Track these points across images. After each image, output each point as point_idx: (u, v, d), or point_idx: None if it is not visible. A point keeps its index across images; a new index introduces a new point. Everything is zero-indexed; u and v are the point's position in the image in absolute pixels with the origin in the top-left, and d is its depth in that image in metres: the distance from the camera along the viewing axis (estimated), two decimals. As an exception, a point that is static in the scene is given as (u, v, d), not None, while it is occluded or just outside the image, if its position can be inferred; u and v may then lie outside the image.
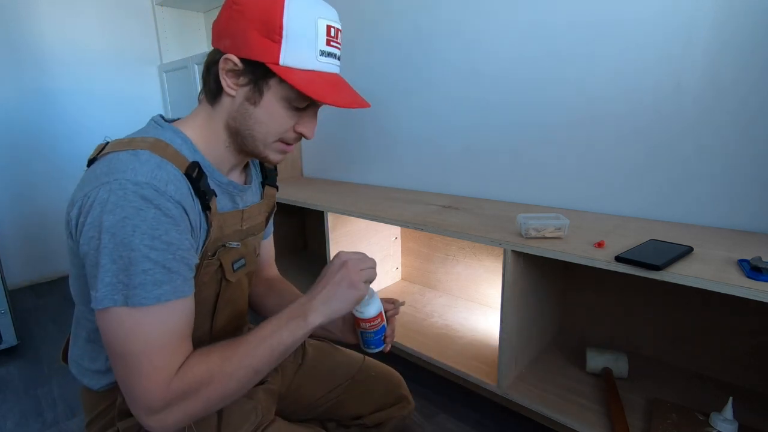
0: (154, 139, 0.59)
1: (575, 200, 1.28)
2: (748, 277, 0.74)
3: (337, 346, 0.93)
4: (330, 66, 0.62)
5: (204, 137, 0.65)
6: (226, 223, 0.67)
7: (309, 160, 2.15)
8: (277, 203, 0.92)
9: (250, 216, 0.73)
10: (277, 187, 0.84)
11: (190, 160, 0.61)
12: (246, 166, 0.76)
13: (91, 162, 0.59)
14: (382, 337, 0.73)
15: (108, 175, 0.53)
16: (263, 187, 0.80)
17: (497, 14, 1.34)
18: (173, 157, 0.58)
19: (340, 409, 0.88)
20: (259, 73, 0.59)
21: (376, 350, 0.74)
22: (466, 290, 1.58)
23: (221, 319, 0.72)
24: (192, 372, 0.55)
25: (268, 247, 0.91)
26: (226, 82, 0.60)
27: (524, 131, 1.35)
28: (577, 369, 1.14)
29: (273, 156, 0.67)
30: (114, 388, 0.65)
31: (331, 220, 1.46)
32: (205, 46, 2.77)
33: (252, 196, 0.76)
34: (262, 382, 0.75)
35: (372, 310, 0.69)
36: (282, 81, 0.59)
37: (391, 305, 0.77)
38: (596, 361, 1.11)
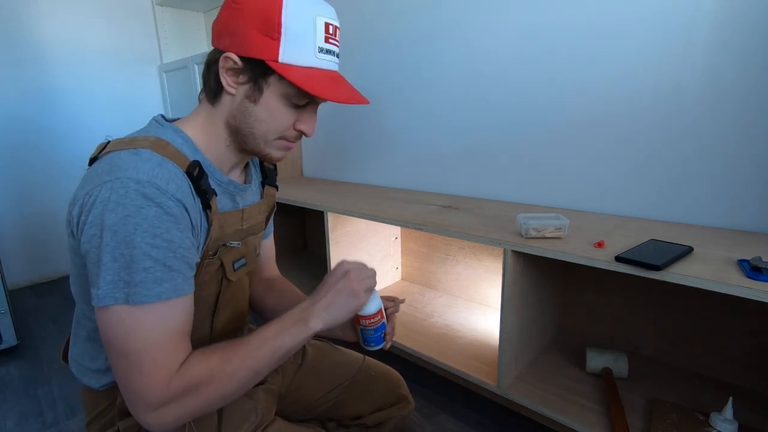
0: (155, 138, 0.59)
1: (575, 200, 1.28)
2: (748, 277, 0.74)
3: (337, 346, 0.94)
4: (329, 63, 0.62)
5: (204, 136, 0.65)
6: (227, 223, 0.67)
7: (309, 160, 2.15)
8: (277, 203, 0.92)
9: (250, 215, 0.73)
10: (276, 187, 0.84)
11: (191, 159, 0.61)
12: (246, 166, 0.76)
13: (92, 161, 0.60)
14: (382, 335, 0.73)
15: (110, 174, 0.53)
16: (263, 186, 0.80)
17: (497, 14, 1.34)
18: (174, 156, 0.58)
19: (340, 409, 0.88)
20: (259, 70, 0.59)
21: (377, 348, 0.74)
22: (466, 290, 1.58)
23: (222, 318, 0.72)
24: (192, 371, 0.55)
25: (268, 246, 0.91)
26: (226, 80, 0.61)
27: (524, 131, 1.35)
28: (577, 369, 1.14)
29: (274, 153, 0.67)
30: (114, 388, 0.65)
31: (331, 220, 1.46)
32: (205, 46, 2.77)
33: (252, 195, 0.76)
34: (262, 382, 0.75)
35: (372, 307, 0.69)
36: (281, 78, 0.59)
37: (391, 303, 0.77)
38: (596, 361, 1.11)
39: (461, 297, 1.60)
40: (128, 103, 2.53)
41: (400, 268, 1.79)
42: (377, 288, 0.70)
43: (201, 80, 0.68)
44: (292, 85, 0.59)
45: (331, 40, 0.61)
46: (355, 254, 1.57)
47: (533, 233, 0.99)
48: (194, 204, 0.59)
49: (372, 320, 0.70)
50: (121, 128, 2.40)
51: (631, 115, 1.13)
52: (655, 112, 1.10)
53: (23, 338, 1.76)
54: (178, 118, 0.68)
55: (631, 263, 0.81)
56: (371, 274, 0.68)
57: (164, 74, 2.59)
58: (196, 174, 0.60)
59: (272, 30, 0.57)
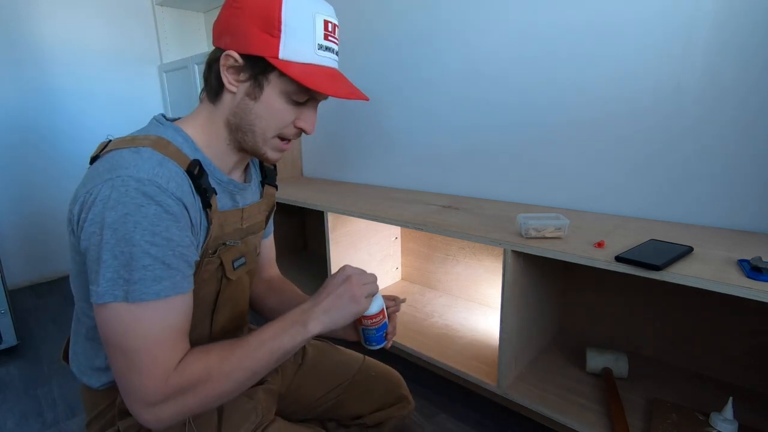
0: (156, 137, 0.59)
1: (575, 200, 1.28)
2: (748, 277, 0.74)
3: (337, 346, 0.94)
4: (328, 60, 0.62)
5: (205, 136, 0.65)
6: (227, 222, 0.67)
7: (309, 160, 2.15)
8: (277, 203, 0.92)
9: (250, 215, 0.73)
10: (276, 187, 0.84)
11: (191, 158, 0.61)
12: (247, 166, 0.77)
13: (93, 160, 0.60)
14: (384, 334, 0.73)
15: (110, 172, 0.54)
16: (263, 186, 0.81)
17: (497, 14, 1.34)
18: (175, 155, 0.58)
19: (340, 409, 0.88)
20: (259, 67, 0.60)
21: (378, 347, 0.74)
22: (466, 290, 1.58)
23: (221, 317, 0.72)
24: (191, 369, 0.55)
25: (268, 246, 0.91)
26: (227, 78, 0.61)
27: (524, 131, 1.35)
28: (577, 369, 1.14)
29: (271, 154, 0.67)
30: (114, 387, 0.65)
31: (331, 220, 1.46)
32: (205, 46, 2.77)
33: (252, 195, 0.76)
34: (261, 382, 0.75)
35: (374, 307, 0.69)
36: (281, 75, 0.59)
37: (392, 302, 0.77)
38: (596, 361, 1.11)
39: (461, 297, 1.60)
40: (128, 103, 2.54)
41: (400, 268, 1.79)
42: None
43: (201, 80, 0.69)
44: (292, 81, 0.59)
45: (330, 38, 0.62)
46: (355, 254, 1.57)
47: (533, 233, 0.99)
48: (194, 202, 0.59)
49: (374, 320, 0.71)
50: (121, 128, 2.40)
51: (631, 115, 1.14)
52: (655, 112, 1.10)
53: (23, 338, 1.76)
54: (179, 118, 0.68)
55: (631, 263, 0.81)
56: (373, 279, 0.68)
57: (164, 74, 2.59)
58: (197, 173, 0.60)
59: (272, 27, 0.57)
